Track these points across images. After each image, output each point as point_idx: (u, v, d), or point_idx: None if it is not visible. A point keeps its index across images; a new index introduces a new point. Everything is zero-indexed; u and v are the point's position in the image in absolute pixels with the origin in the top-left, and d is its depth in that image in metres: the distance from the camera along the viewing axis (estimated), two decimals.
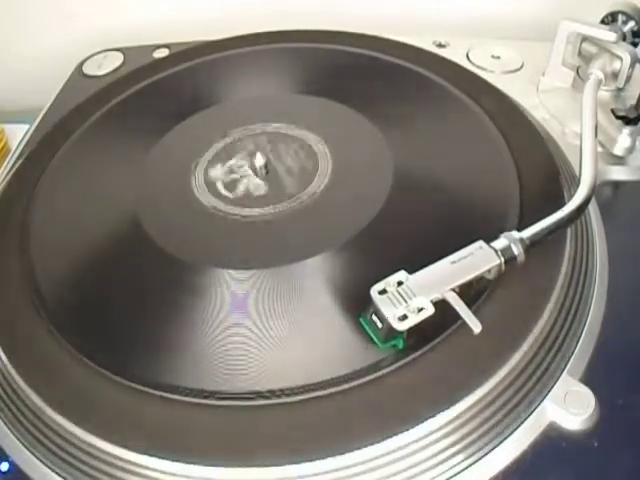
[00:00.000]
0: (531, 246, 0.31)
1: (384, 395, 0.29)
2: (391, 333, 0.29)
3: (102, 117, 0.47)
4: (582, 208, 0.33)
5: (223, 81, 0.49)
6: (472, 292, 0.31)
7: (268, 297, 0.33)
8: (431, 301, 0.29)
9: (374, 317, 0.30)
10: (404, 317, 0.29)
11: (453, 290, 0.30)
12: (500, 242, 0.31)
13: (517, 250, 0.31)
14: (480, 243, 0.31)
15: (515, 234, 0.32)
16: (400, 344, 0.30)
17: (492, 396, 0.29)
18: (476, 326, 0.28)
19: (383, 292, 0.30)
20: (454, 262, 0.30)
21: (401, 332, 0.29)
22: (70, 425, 0.30)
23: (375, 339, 0.30)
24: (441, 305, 0.29)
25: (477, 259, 0.31)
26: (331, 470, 0.27)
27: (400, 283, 0.30)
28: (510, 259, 0.31)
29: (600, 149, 0.41)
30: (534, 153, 0.39)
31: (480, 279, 0.31)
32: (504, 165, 0.38)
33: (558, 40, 0.46)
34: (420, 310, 0.29)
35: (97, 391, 0.31)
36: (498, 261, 0.31)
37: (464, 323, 0.29)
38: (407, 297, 0.29)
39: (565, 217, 0.33)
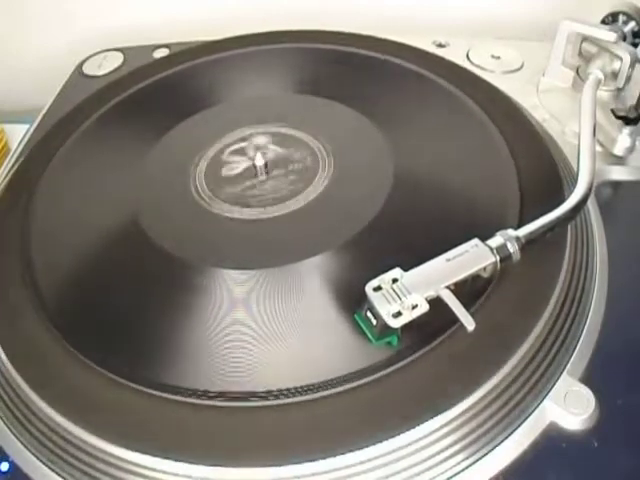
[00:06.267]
0: (527, 244, 0.31)
1: (384, 395, 0.29)
2: (385, 330, 0.29)
3: (102, 117, 0.47)
4: (579, 207, 0.33)
5: (223, 81, 0.49)
6: (467, 290, 0.31)
7: (268, 297, 0.33)
8: (426, 298, 0.29)
9: (368, 314, 0.30)
10: (398, 314, 0.29)
11: (448, 288, 0.30)
12: (495, 240, 0.31)
13: (512, 248, 0.31)
14: (475, 241, 0.31)
15: (511, 232, 0.31)
16: (394, 341, 0.30)
17: (492, 396, 0.29)
18: (469, 324, 0.28)
19: (378, 289, 0.30)
20: (449, 260, 0.31)
21: (395, 329, 0.29)
22: (70, 425, 0.30)
23: (369, 336, 0.30)
24: (440, 304, 0.29)
25: (472, 257, 0.31)
26: (331, 470, 0.27)
27: (395, 280, 0.30)
28: (505, 257, 0.31)
29: (600, 149, 0.41)
30: (534, 153, 0.39)
31: (477, 278, 0.31)
32: (504, 165, 0.38)
33: (558, 40, 0.46)
34: (414, 307, 0.29)
35: (97, 391, 0.31)
36: (493, 259, 0.31)
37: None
38: (401, 294, 0.29)
39: (562, 216, 0.33)
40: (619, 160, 0.41)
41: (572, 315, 0.32)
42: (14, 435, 0.32)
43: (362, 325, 0.30)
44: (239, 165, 0.41)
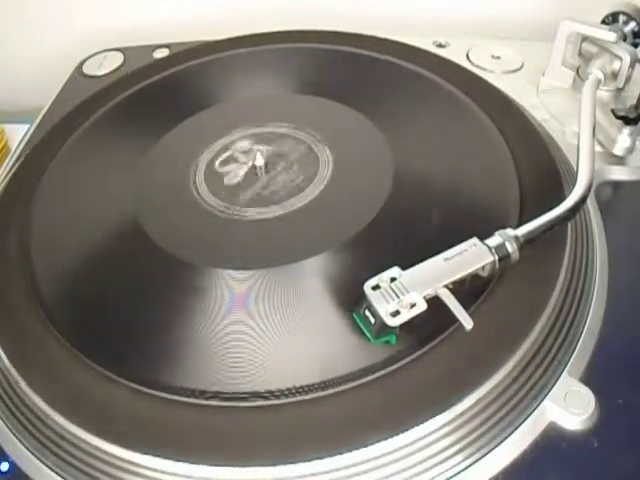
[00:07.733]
0: (526, 244, 0.31)
1: (383, 395, 0.29)
2: (384, 329, 0.29)
3: (102, 117, 0.47)
4: (578, 206, 0.33)
5: (223, 81, 0.49)
6: (466, 289, 0.31)
7: (267, 297, 0.33)
8: (424, 297, 0.29)
9: (367, 312, 0.30)
10: (396, 313, 0.29)
11: (446, 287, 0.30)
12: (494, 239, 0.31)
13: (511, 248, 0.31)
14: (474, 240, 0.31)
15: (509, 232, 0.31)
16: (393, 340, 0.30)
17: (492, 396, 0.29)
18: (468, 323, 0.28)
19: (376, 288, 0.30)
20: (448, 259, 0.30)
21: (394, 328, 0.29)
22: (70, 425, 0.30)
23: (368, 334, 0.30)
24: (440, 304, 0.29)
25: (471, 256, 0.31)
26: (331, 470, 0.27)
27: (393, 279, 0.30)
28: (504, 257, 0.31)
29: (600, 149, 0.41)
30: (534, 153, 0.39)
31: (476, 277, 0.31)
32: (504, 165, 0.38)
33: (558, 40, 0.46)
34: (413, 306, 0.29)
35: (97, 391, 0.31)
36: (492, 258, 0.31)
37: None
38: (400, 293, 0.29)
39: (561, 215, 0.33)
40: (619, 160, 0.41)
41: (572, 315, 0.32)
42: (14, 435, 0.32)
43: (360, 324, 0.30)
44: (239, 165, 0.41)
